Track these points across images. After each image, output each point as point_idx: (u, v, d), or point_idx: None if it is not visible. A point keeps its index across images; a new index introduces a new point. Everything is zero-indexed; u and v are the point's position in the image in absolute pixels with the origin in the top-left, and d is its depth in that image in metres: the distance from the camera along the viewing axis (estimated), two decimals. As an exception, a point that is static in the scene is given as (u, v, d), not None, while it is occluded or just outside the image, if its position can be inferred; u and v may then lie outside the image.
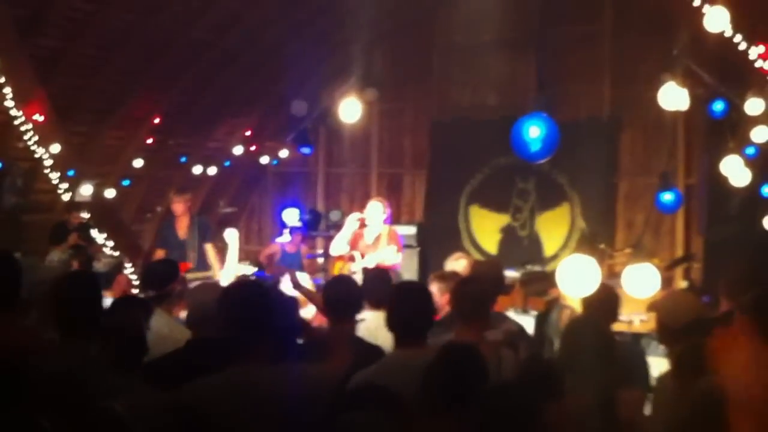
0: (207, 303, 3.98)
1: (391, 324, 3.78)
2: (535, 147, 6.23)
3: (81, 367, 3.13)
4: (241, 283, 4.61)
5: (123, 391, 3.01)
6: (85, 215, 8.72)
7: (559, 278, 6.24)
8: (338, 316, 4.31)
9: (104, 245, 8.71)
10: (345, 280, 4.79)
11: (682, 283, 9.39)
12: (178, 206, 8.88)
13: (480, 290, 4.15)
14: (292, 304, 4.43)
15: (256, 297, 3.27)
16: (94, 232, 8.71)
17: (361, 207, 8.80)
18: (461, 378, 3.02)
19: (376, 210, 8.18)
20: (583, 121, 10.65)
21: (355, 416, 2.79)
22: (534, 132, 6.26)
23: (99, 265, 5.71)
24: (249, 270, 7.90)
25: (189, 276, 7.87)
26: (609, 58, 10.71)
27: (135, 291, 6.70)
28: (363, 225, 8.52)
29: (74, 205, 8.63)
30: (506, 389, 2.98)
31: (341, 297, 4.36)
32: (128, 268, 7.90)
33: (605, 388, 3.34)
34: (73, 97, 8.79)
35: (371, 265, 7.73)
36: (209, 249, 8.82)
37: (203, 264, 8.72)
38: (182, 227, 8.84)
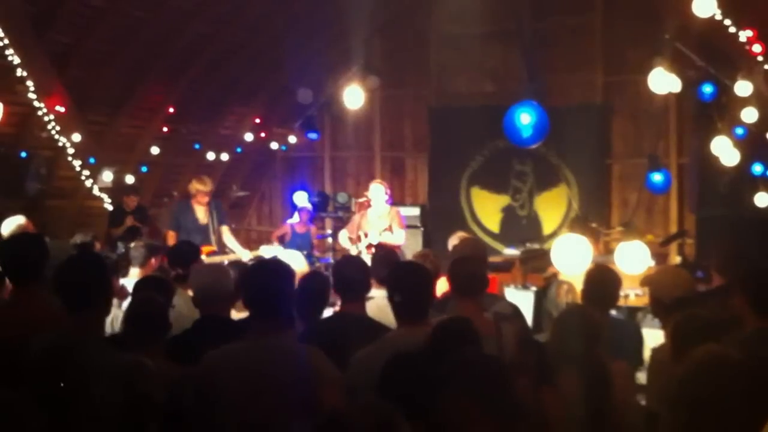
0: (211, 283, 4.22)
1: (391, 303, 3.80)
2: (526, 133, 6.48)
3: (81, 342, 3.15)
4: (271, 260, 4.64)
5: (123, 366, 3.08)
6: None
7: (553, 257, 6.56)
8: (347, 296, 4.32)
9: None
10: (353, 261, 4.72)
11: (677, 258, 9.59)
12: (203, 198, 8.74)
13: (472, 266, 4.26)
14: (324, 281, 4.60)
15: (283, 273, 3.41)
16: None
17: (366, 188, 9.18)
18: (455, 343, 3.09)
19: (378, 192, 8.60)
20: (576, 107, 10.82)
21: None
22: (525, 119, 6.51)
23: (135, 247, 5.91)
24: (277, 252, 7.84)
25: (214, 259, 7.85)
26: (600, 46, 10.84)
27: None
28: (367, 206, 8.89)
29: (130, 189, 8.80)
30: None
31: (350, 277, 4.34)
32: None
33: (594, 367, 3.38)
34: (86, 89, 8.98)
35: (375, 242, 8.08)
36: (225, 231, 8.76)
37: (222, 246, 8.79)
38: (201, 211, 8.78)
